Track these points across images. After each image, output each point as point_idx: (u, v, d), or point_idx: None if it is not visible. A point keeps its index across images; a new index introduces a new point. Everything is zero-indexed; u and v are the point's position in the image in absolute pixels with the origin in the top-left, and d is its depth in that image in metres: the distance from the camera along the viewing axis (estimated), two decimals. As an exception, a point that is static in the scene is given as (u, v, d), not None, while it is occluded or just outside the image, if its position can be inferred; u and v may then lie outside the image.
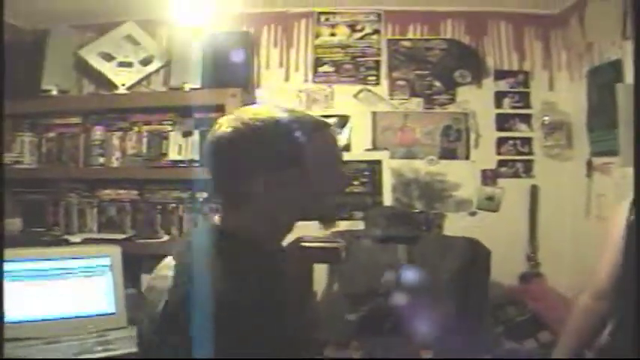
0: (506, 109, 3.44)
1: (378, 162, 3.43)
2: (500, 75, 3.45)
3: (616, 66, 2.82)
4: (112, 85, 3.50)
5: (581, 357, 2.15)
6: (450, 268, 2.77)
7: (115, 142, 3.46)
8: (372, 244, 2.86)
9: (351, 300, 2.75)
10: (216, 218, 1.33)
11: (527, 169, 3.41)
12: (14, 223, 3.43)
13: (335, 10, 3.51)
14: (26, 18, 3.58)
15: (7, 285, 2.56)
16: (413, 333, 2.61)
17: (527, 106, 3.43)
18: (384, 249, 2.81)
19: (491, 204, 3.40)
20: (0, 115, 2.89)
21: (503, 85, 3.44)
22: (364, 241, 2.88)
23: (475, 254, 2.88)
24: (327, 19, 3.53)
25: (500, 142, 3.42)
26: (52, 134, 3.56)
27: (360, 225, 3.20)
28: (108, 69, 3.46)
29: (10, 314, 2.55)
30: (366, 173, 3.43)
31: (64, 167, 3.53)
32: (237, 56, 3.30)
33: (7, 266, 2.59)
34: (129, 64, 3.48)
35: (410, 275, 2.73)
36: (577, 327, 2.11)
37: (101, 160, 3.45)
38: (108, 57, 3.47)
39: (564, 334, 2.15)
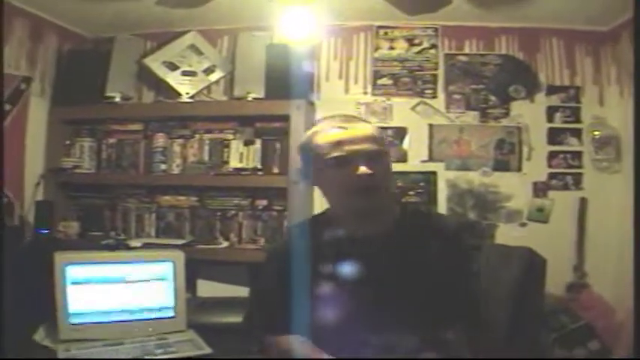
0: (558, 124, 3.52)
1: (434, 173, 3.52)
2: (552, 90, 3.53)
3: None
4: (174, 94, 3.56)
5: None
6: (510, 276, 2.84)
7: (177, 149, 3.53)
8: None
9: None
10: None
11: (577, 181, 3.49)
12: (72, 227, 3.49)
13: (394, 25, 3.59)
14: (91, 26, 3.65)
15: (71, 287, 2.65)
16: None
17: (578, 120, 3.51)
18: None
19: (541, 215, 3.49)
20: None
21: (554, 100, 3.52)
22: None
23: (533, 263, 2.96)
24: (385, 33, 3.60)
25: (552, 155, 3.50)
26: (112, 140, 3.63)
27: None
28: (172, 78, 3.52)
29: (75, 317, 2.63)
30: (422, 184, 3.51)
31: (124, 173, 3.59)
32: (302, 68, 3.38)
33: (71, 270, 2.67)
34: (192, 74, 3.54)
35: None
36: (629, 337, 2.15)
37: (162, 166, 3.52)
38: (172, 66, 3.53)
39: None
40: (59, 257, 2.73)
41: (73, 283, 2.68)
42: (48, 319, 2.74)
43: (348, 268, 1.54)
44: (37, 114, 3.48)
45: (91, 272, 2.69)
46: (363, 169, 1.50)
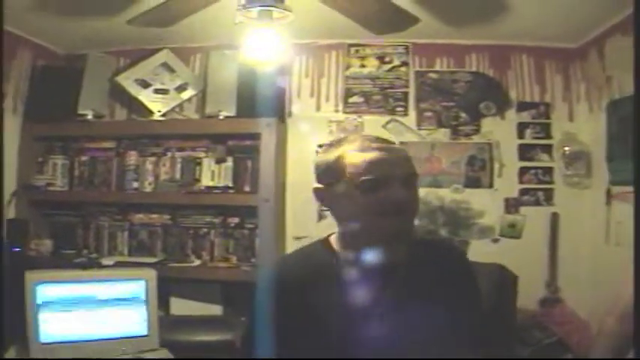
0: (528, 140, 3.55)
1: (405, 190, 3.52)
2: (522, 106, 3.56)
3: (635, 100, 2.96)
4: (146, 111, 3.57)
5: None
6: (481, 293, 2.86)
7: (149, 167, 3.54)
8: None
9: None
10: None
11: (548, 197, 3.52)
12: (45, 244, 3.48)
13: (365, 43, 3.62)
14: (65, 44, 3.66)
15: (43, 307, 2.65)
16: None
17: (548, 136, 3.54)
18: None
19: (513, 231, 3.51)
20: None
21: (525, 117, 3.56)
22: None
23: (503, 279, 2.98)
24: (357, 51, 3.63)
25: (523, 171, 3.53)
26: (84, 158, 3.63)
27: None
28: (144, 96, 3.53)
29: (46, 336, 2.63)
30: (394, 201, 3.51)
31: (96, 190, 3.60)
32: (272, 86, 3.40)
33: (42, 290, 2.68)
34: (165, 91, 3.55)
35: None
36: (603, 349, 2.17)
37: (135, 184, 3.54)
38: (144, 84, 3.54)
39: (592, 356, 2.21)
40: (30, 276, 2.73)
41: (44, 302, 2.68)
42: (20, 338, 2.75)
43: (368, 296, 1.46)
44: (10, 130, 3.46)
45: (63, 291, 2.70)
46: (400, 191, 1.45)
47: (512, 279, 3.03)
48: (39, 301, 2.68)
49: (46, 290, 2.69)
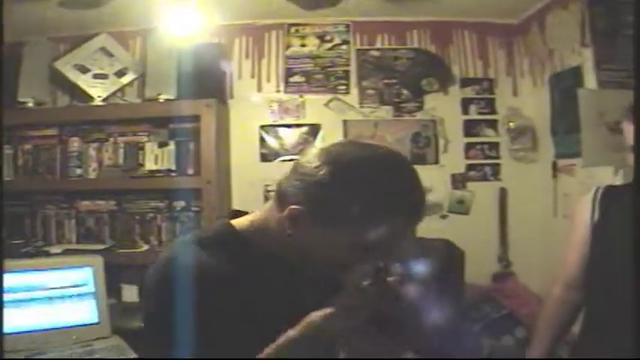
0: (473, 115, 3.56)
1: (350, 169, 3.52)
2: (465, 82, 3.58)
3: (576, 72, 2.97)
4: (88, 97, 3.55)
5: (557, 350, 2.22)
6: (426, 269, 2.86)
7: (92, 153, 3.52)
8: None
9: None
10: None
11: (495, 172, 3.54)
12: (-12, 234, 3.49)
13: (305, 22, 3.61)
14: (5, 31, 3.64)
15: None
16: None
17: (493, 111, 3.56)
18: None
19: (461, 207, 3.52)
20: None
21: (469, 92, 3.57)
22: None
23: (450, 255, 2.98)
24: (297, 31, 3.63)
25: (468, 147, 3.55)
26: (28, 146, 3.59)
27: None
28: (83, 81, 3.51)
29: None
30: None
31: (41, 179, 3.58)
32: (212, 67, 3.41)
33: None
34: (104, 76, 3.53)
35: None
36: (550, 317, 2.14)
37: (78, 171, 3.52)
38: (83, 69, 3.51)
39: (538, 325, 2.20)
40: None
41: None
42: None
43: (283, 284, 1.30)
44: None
45: (11, 281, 2.65)
46: None
47: (459, 254, 3.04)
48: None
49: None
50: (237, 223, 1.32)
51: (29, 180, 3.60)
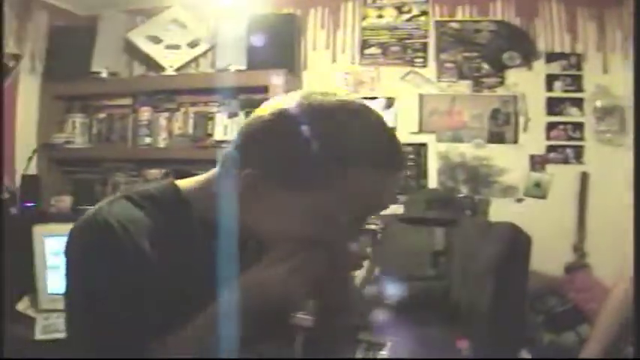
0: (558, 93, 3.36)
1: (424, 145, 3.44)
2: (551, 57, 3.38)
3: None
4: (161, 68, 3.62)
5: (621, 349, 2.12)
6: (488, 253, 2.76)
7: (162, 122, 3.59)
8: (410, 227, 2.89)
9: (388, 284, 2.77)
10: None
11: (578, 155, 3.33)
12: (64, 201, 3.59)
13: (383, -8, 3.52)
14: (81, 4, 3.75)
15: (51, 258, 2.79)
16: (449, 320, 2.65)
17: (580, 89, 3.35)
18: (421, 232, 2.83)
19: (538, 191, 3.36)
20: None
21: (554, 68, 3.37)
22: (402, 224, 2.91)
23: (515, 240, 2.86)
24: (374, 1, 3.54)
25: (550, 126, 3.36)
26: (102, 115, 3.73)
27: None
28: (156, 51, 3.58)
29: (55, 288, 2.73)
30: (412, 157, 3.43)
31: (113, 147, 3.68)
32: (282, 38, 3.39)
33: (51, 242, 2.79)
34: (176, 47, 3.59)
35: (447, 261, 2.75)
36: (612, 314, 2.08)
37: (148, 140, 3.59)
38: (156, 40, 3.60)
39: (599, 322, 2.12)
40: (38, 229, 2.84)
41: (53, 254, 2.77)
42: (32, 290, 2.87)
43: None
44: (29, 90, 3.60)
45: None
46: None
47: (525, 240, 2.90)
48: (48, 253, 2.77)
49: (55, 243, 2.77)
50: (183, 183, 1.20)
51: (102, 147, 3.70)
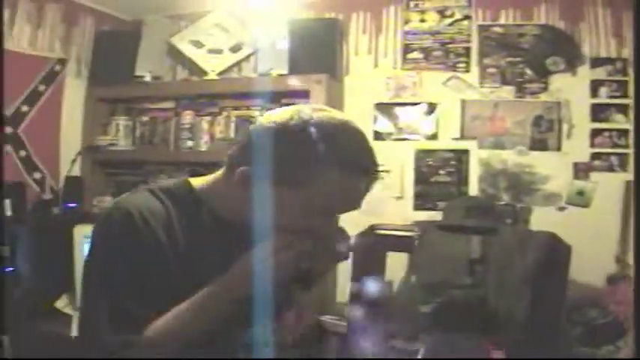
0: (603, 99, 3.31)
1: (466, 151, 3.43)
2: (596, 62, 3.33)
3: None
4: (204, 72, 3.68)
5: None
6: (526, 262, 2.74)
7: (205, 126, 3.66)
8: (448, 234, 2.88)
9: (425, 291, 2.78)
10: None
11: (623, 163, 3.27)
12: (106, 202, 3.68)
13: (425, -4, 3.53)
14: (125, 9, 3.85)
15: None
16: (485, 329, 2.64)
17: (625, 95, 3.29)
18: (459, 240, 2.83)
19: (581, 199, 3.31)
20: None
21: (599, 73, 3.32)
22: (440, 231, 2.92)
23: (553, 249, 2.83)
24: (416, 5, 3.54)
25: (595, 133, 3.31)
26: (145, 118, 3.82)
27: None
28: (198, 56, 3.66)
29: None
30: (453, 163, 3.43)
31: (156, 150, 3.76)
32: (324, 42, 3.41)
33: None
34: (218, 51, 3.66)
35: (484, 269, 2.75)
36: None
37: (190, 143, 3.66)
38: (198, 44, 3.68)
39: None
40: (79, 230, 2.93)
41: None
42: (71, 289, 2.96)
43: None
44: (74, 94, 3.72)
45: None
46: None
47: (565, 249, 2.86)
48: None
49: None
50: (195, 181, 1.40)
51: (145, 150, 3.78)
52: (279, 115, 1.28)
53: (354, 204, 1.29)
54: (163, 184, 1.39)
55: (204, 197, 1.36)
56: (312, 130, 1.21)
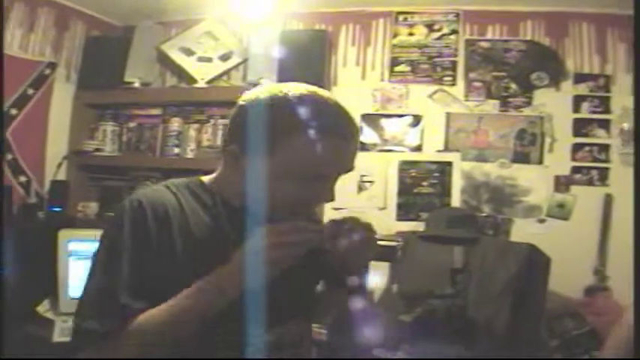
0: (585, 114, 3.49)
1: (449, 163, 3.59)
2: (580, 78, 3.51)
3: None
4: (192, 79, 3.82)
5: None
6: (506, 273, 2.87)
7: (192, 133, 3.78)
8: (430, 244, 3.03)
9: (406, 301, 2.91)
10: None
11: (603, 177, 3.44)
12: (90, 207, 3.81)
13: (413, 10, 3.70)
14: (117, 15, 3.99)
15: (73, 262, 2.95)
16: (465, 338, 2.77)
17: (607, 111, 3.47)
18: (441, 250, 2.97)
19: (562, 212, 3.47)
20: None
21: (582, 89, 3.50)
22: (422, 241, 3.06)
23: (533, 261, 2.94)
24: (405, 19, 3.72)
25: (576, 147, 3.48)
26: (132, 124, 3.94)
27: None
28: (188, 63, 3.78)
29: (73, 290, 2.89)
30: (436, 174, 3.59)
31: (142, 156, 3.88)
32: (313, 53, 3.55)
33: (73, 246, 2.97)
34: (208, 59, 3.78)
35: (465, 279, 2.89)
36: (620, 342, 2.13)
37: (176, 150, 3.79)
38: (188, 52, 3.80)
39: (607, 347, 2.16)
40: (63, 234, 3.02)
41: (75, 258, 2.96)
42: (53, 293, 3.03)
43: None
44: (62, 98, 3.84)
45: (93, 248, 2.93)
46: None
47: (544, 261, 2.99)
48: (70, 257, 2.95)
49: (77, 246, 2.97)
50: (205, 177, 1.55)
51: (131, 156, 3.90)
52: (255, 92, 1.42)
53: (343, 165, 1.41)
54: (179, 180, 1.54)
55: (215, 189, 1.49)
56: (289, 98, 1.34)
